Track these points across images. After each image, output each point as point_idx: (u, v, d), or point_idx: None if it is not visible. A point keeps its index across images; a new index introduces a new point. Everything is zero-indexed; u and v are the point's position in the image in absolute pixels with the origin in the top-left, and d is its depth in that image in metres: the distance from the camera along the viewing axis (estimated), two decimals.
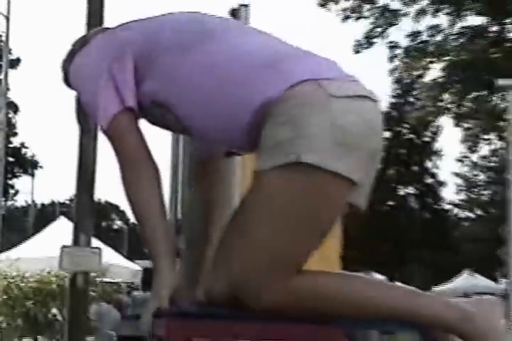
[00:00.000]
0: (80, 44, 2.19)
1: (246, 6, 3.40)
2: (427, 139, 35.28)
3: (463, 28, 19.22)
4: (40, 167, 31.06)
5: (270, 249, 1.90)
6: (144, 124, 2.13)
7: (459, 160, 38.49)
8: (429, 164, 35.86)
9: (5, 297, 11.53)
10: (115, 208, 62.70)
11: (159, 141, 2.89)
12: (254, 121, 1.95)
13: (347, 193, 1.93)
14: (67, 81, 2.21)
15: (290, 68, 1.95)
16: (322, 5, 20.25)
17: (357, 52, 20.21)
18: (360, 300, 1.94)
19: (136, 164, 2.02)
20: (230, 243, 1.94)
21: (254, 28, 2.24)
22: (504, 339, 2.02)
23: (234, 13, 3.37)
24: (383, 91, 33.08)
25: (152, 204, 2.00)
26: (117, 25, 2.18)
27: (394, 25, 19.88)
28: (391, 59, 20.36)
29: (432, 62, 19.51)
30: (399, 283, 2.52)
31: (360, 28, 28.26)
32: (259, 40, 2.07)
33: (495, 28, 19.06)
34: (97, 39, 2.15)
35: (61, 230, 14.05)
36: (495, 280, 26.45)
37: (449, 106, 20.56)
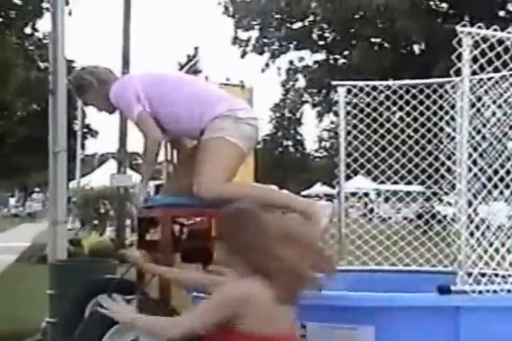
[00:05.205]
0: (98, 77, 4.58)
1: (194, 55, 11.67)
2: None
3: None
4: None
5: (211, 170, 4.18)
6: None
7: None
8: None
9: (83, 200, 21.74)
10: None
11: None
12: (203, 126, 4.33)
13: (243, 152, 4.34)
14: (78, 94, 4.71)
15: (220, 106, 4.35)
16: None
17: None
18: (260, 196, 4.15)
19: (151, 138, 4.36)
20: (196, 169, 4.25)
21: (203, 79, 5.33)
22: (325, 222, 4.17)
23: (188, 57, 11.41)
24: None
25: (153, 154, 4.38)
26: (135, 74, 4.72)
27: None
28: None
29: None
30: (284, 190, 4.98)
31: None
32: (210, 88, 4.61)
33: None
34: (124, 78, 4.62)
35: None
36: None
37: None
